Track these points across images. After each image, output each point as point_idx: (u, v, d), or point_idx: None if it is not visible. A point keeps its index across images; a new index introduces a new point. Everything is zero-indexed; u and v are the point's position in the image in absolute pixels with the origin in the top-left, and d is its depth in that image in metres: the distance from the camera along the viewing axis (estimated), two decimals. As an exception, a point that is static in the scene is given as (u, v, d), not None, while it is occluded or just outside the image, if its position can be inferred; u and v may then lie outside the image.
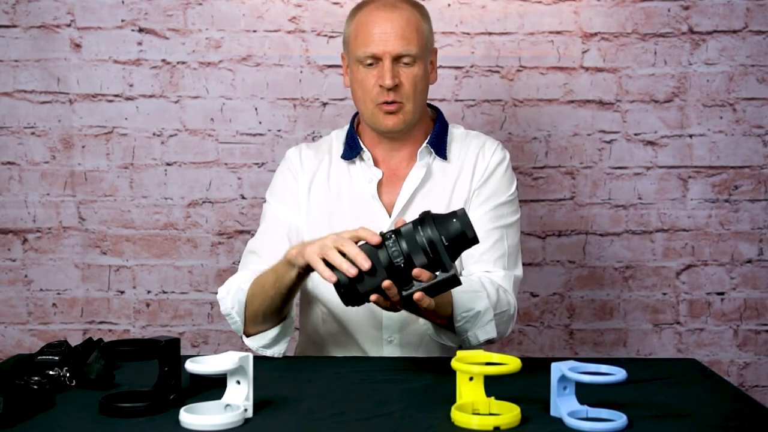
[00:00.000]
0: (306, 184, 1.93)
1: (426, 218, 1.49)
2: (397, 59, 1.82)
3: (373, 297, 1.51)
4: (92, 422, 1.36)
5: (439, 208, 1.88)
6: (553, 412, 1.39)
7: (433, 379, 1.60)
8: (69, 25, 2.56)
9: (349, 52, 1.90)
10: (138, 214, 2.60)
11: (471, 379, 1.38)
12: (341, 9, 2.55)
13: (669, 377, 1.64)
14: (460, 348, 1.85)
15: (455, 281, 1.51)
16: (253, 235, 2.56)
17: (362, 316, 1.87)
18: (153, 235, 2.61)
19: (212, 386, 1.46)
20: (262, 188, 2.56)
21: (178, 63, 2.57)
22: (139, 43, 2.57)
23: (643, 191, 2.60)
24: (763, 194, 2.60)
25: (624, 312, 2.63)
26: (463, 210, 1.51)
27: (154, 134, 2.59)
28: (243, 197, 2.59)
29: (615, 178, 2.60)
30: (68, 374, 1.53)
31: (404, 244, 1.48)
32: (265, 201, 1.98)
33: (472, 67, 2.57)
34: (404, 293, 1.50)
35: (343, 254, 1.50)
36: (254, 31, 2.56)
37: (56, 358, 1.55)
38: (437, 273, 1.51)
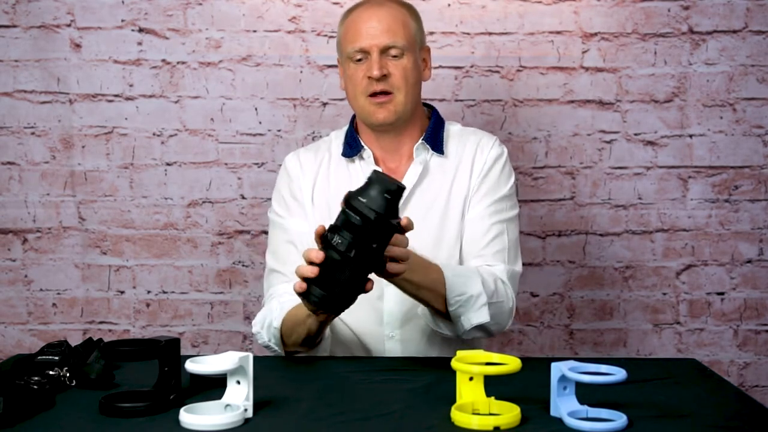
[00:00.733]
0: (309, 187, 1.95)
1: (348, 198, 1.49)
2: (384, 52, 1.85)
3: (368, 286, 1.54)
4: (92, 422, 1.36)
5: (438, 204, 1.90)
6: (553, 412, 1.39)
7: (433, 379, 1.60)
8: (69, 25, 2.56)
9: (341, 52, 1.94)
10: (138, 214, 2.60)
11: (471, 379, 1.38)
12: (341, 9, 2.54)
13: (669, 377, 1.64)
14: (459, 339, 1.85)
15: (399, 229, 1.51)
16: (253, 235, 2.58)
17: (363, 312, 1.87)
18: (153, 235, 2.61)
19: (212, 386, 1.46)
20: (262, 188, 2.56)
21: (178, 63, 2.57)
22: (139, 43, 2.57)
23: (643, 191, 2.60)
24: (763, 194, 2.60)
25: (624, 312, 2.63)
26: (374, 172, 1.51)
27: (154, 134, 2.59)
28: (243, 197, 2.59)
29: (615, 178, 2.60)
30: (68, 374, 1.53)
31: (346, 233, 1.47)
32: (270, 209, 2.00)
33: (472, 67, 2.57)
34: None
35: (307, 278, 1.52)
36: (254, 31, 2.57)
37: (56, 358, 1.55)
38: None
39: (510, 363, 1.38)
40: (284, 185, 1.98)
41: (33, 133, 2.59)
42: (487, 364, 1.40)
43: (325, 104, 2.57)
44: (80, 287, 2.62)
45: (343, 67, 1.93)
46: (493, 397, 1.38)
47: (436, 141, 1.94)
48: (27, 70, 2.57)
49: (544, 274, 2.62)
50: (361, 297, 1.89)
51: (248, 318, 2.58)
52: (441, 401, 1.43)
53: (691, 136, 2.59)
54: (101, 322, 2.62)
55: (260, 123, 2.58)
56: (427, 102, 2.05)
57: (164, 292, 2.62)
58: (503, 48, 2.57)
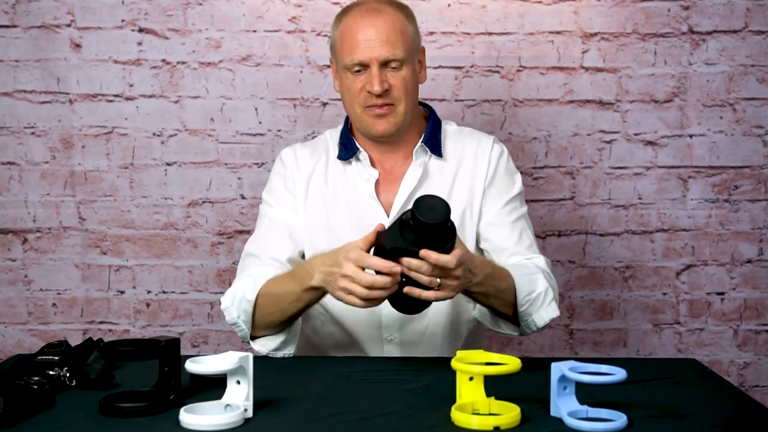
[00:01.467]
0: (303, 183, 1.93)
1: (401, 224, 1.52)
2: (384, 64, 1.82)
3: (429, 294, 1.55)
4: (92, 422, 1.36)
5: None
6: (553, 412, 1.39)
7: (433, 379, 1.60)
8: (69, 25, 2.56)
9: (336, 58, 1.90)
10: (138, 214, 2.60)
11: (471, 379, 1.38)
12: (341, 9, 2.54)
13: (669, 377, 1.64)
14: (465, 342, 1.85)
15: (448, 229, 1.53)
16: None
17: (361, 316, 1.87)
18: (153, 235, 2.61)
19: (212, 386, 1.46)
20: (262, 188, 2.54)
21: (178, 63, 2.57)
22: (139, 43, 2.57)
23: (643, 191, 2.60)
24: (763, 194, 2.60)
25: (624, 312, 2.63)
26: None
27: (154, 134, 2.59)
28: (243, 197, 2.59)
29: (615, 178, 2.60)
30: (68, 374, 1.53)
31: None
32: (261, 201, 1.99)
33: (472, 67, 2.57)
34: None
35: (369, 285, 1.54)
36: (254, 31, 2.57)
37: (56, 358, 1.55)
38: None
39: (510, 363, 1.38)
40: (278, 176, 1.97)
41: (33, 133, 2.59)
42: (487, 364, 1.40)
43: (325, 104, 2.57)
44: (80, 287, 2.62)
45: (338, 71, 1.90)
46: (493, 397, 1.38)
47: (435, 143, 1.92)
48: (27, 70, 2.57)
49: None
50: None
51: (248, 318, 2.58)
52: (441, 401, 1.42)
53: (691, 136, 2.59)
54: (101, 322, 2.62)
55: (260, 123, 2.58)
56: (426, 102, 2.05)
57: (164, 292, 2.62)
58: (503, 48, 2.57)
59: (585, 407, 1.37)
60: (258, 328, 1.77)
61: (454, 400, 1.39)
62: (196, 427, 1.32)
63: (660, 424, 1.37)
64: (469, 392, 1.38)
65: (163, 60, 2.57)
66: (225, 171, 2.59)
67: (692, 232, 2.61)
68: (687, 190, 2.60)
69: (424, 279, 1.52)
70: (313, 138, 2.53)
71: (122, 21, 2.56)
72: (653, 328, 2.63)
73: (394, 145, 1.92)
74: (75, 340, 1.82)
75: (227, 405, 1.37)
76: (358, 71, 1.83)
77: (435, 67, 2.53)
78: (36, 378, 1.47)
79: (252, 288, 1.75)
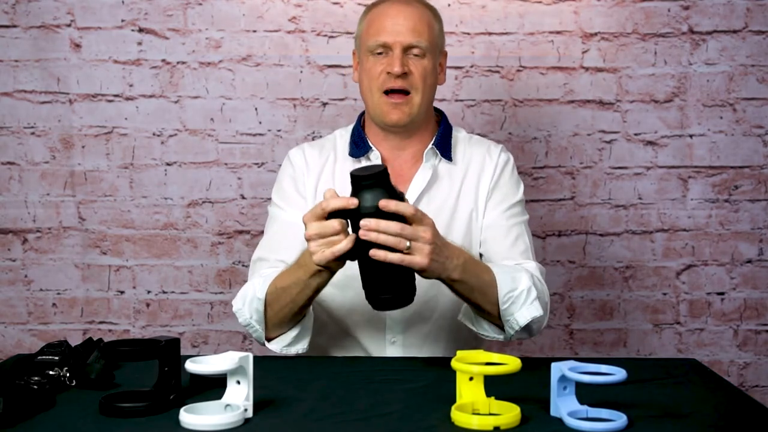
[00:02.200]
0: (312, 183, 1.92)
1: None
2: (407, 50, 1.83)
3: (394, 257, 1.51)
4: (92, 422, 1.36)
5: (446, 210, 1.89)
6: (553, 412, 1.39)
7: (433, 379, 1.60)
8: (69, 25, 2.56)
9: (360, 45, 1.91)
10: (138, 214, 2.60)
11: (471, 379, 1.38)
12: (341, 9, 2.55)
13: (669, 377, 1.64)
14: (506, 339, 1.83)
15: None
16: (253, 235, 2.58)
17: (365, 318, 1.87)
18: (153, 235, 2.61)
19: (212, 386, 1.46)
20: (261, 188, 2.56)
21: (178, 63, 2.57)
22: (139, 43, 2.57)
23: (643, 191, 2.60)
24: (763, 194, 2.60)
25: (624, 312, 2.63)
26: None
27: (154, 134, 2.59)
28: (243, 197, 2.59)
29: (615, 178, 2.60)
30: (68, 374, 1.53)
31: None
32: (269, 203, 1.97)
33: (472, 67, 2.57)
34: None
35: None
36: (254, 31, 2.57)
37: (56, 358, 1.54)
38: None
39: (510, 363, 1.38)
40: (288, 178, 1.95)
41: (33, 133, 2.59)
42: (487, 364, 1.40)
43: (325, 104, 2.57)
44: (80, 287, 2.62)
45: (360, 59, 1.90)
46: (493, 397, 1.38)
47: (445, 147, 1.93)
48: (27, 70, 2.57)
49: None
50: (364, 303, 1.90)
51: (248, 318, 2.58)
52: (441, 401, 1.42)
53: (691, 136, 2.59)
54: (101, 322, 2.62)
55: (260, 123, 2.58)
56: (434, 105, 2.05)
57: (164, 292, 2.62)
58: (503, 48, 2.57)
59: (585, 407, 1.37)
60: (271, 326, 1.76)
61: (454, 400, 1.39)
62: (196, 427, 1.32)
63: (660, 424, 1.37)
64: (469, 392, 1.38)
65: (163, 60, 2.57)
66: (225, 171, 2.59)
67: (692, 232, 2.61)
68: (687, 190, 2.60)
69: (390, 240, 1.49)
70: (314, 138, 2.54)
71: (122, 21, 2.56)
72: (653, 328, 2.63)
73: (405, 143, 1.91)
74: (75, 340, 1.82)
75: (227, 405, 1.37)
76: (380, 53, 1.84)
77: (435, 67, 2.53)
78: (36, 378, 1.47)
79: (261, 286, 1.75)
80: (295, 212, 1.90)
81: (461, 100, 2.58)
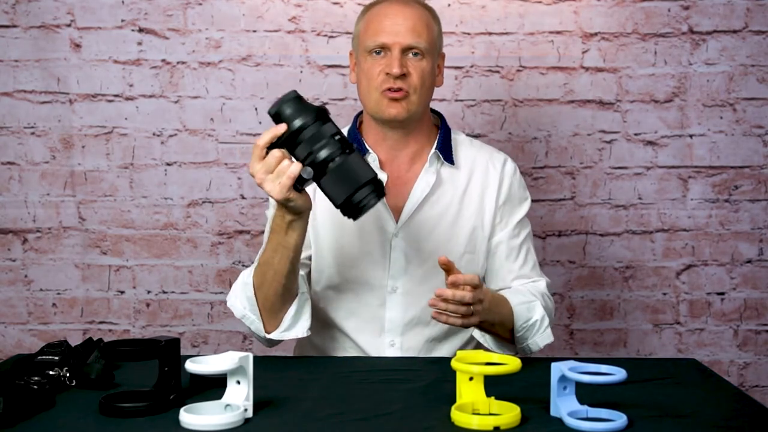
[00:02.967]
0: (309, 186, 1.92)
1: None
2: (405, 51, 1.83)
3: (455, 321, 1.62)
4: (92, 422, 1.36)
5: (448, 216, 1.89)
6: (553, 412, 1.39)
7: (433, 379, 1.60)
8: (69, 25, 2.56)
9: (358, 45, 1.90)
10: (138, 214, 2.60)
11: (471, 379, 1.38)
12: (341, 9, 2.55)
13: (669, 377, 1.64)
14: (517, 354, 1.87)
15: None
16: (253, 235, 2.58)
17: (364, 320, 1.87)
18: (153, 235, 2.61)
19: (212, 386, 1.46)
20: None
21: (178, 63, 2.57)
22: (139, 43, 2.57)
23: (643, 191, 2.60)
24: (763, 194, 2.60)
25: (624, 312, 2.63)
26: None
27: (154, 134, 2.59)
28: (243, 197, 2.59)
29: (615, 178, 2.60)
30: (68, 374, 1.53)
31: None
32: (267, 205, 1.97)
33: (472, 67, 2.57)
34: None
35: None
36: (254, 31, 2.57)
37: (56, 358, 1.55)
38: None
39: (510, 363, 1.38)
40: None
41: (33, 133, 2.59)
42: (487, 364, 1.41)
43: (325, 104, 2.57)
44: (80, 287, 2.62)
45: (358, 59, 1.89)
46: (493, 397, 1.38)
47: (447, 151, 1.92)
48: (27, 70, 2.57)
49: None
50: (363, 305, 1.89)
51: (248, 318, 2.58)
52: (441, 401, 1.43)
53: (691, 136, 2.59)
54: (101, 322, 2.62)
55: (260, 123, 2.57)
56: (433, 108, 2.04)
57: (164, 292, 2.62)
58: (503, 48, 2.57)
59: (585, 407, 1.37)
60: (266, 314, 1.74)
61: (454, 400, 1.39)
62: (196, 427, 1.32)
63: (660, 424, 1.37)
64: (469, 392, 1.38)
65: (163, 60, 2.57)
66: (225, 171, 2.59)
67: (692, 232, 2.61)
68: (687, 190, 2.60)
69: (462, 309, 1.61)
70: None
71: (122, 21, 2.56)
72: (653, 328, 2.63)
73: (402, 143, 1.90)
74: (75, 340, 1.82)
75: (227, 405, 1.37)
76: (378, 53, 1.83)
77: (435, 67, 2.53)
78: (36, 378, 1.47)
79: (248, 273, 1.76)
80: None
81: (461, 100, 2.58)
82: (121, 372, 1.60)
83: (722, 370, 2.60)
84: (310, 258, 1.89)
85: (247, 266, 2.57)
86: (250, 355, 1.38)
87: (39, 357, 1.55)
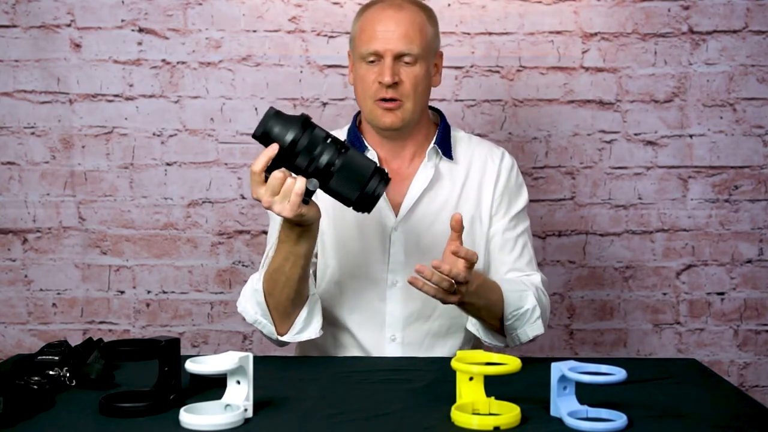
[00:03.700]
0: None
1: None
2: (398, 58, 1.82)
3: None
4: (92, 422, 1.36)
5: (447, 210, 1.89)
6: (553, 412, 1.39)
7: (433, 379, 1.60)
8: (69, 25, 2.56)
9: (353, 48, 1.90)
10: (138, 214, 2.60)
11: (471, 379, 1.38)
12: (341, 9, 2.55)
13: (669, 377, 1.64)
14: (467, 342, 1.87)
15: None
16: (253, 235, 2.59)
17: (365, 315, 1.87)
18: (153, 235, 2.61)
19: (212, 386, 1.46)
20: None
21: (178, 63, 2.57)
22: (139, 43, 2.57)
23: (643, 191, 2.60)
24: (763, 194, 2.60)
25: (624, 312, 2.63)
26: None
27: (154, 134, 2.59)
28: (243, 197, 2.59)
29: (615, 178, 2.60)
30: (68, 374, 1.53)
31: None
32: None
33: (472, 67, 2.57)
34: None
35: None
36: (254, 31, 2.57)
37: (56, 358, 1.55)
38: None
39: (510, 363, 1.38)
40: None
41: (33, 133, 2.59)
42: (487, 364, 1.41)
43: (325, 104, 2.57)
44: (80, 287, 2.62)
45: (354, 64, 1.90)
46: (493, 397, 1.38)
47: (446, 146, 1.93)
48: (27, 70, 2.57)
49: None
50: (363, 300, 1.89)
51: (248, 318, 2.58)
52: (441, 401, 1.43)
53: (691, 136, 2.59)
54: (101, 322, 2.62)
55: (260, 123, 2.57)
56: (431, 104, 2.04)
57: (164, 292, 2.62)
58: (503, 48, 2.57)
59: (585, 407, 1.38)
60: (278, 318, 1.75)
61: (454, 400, 1.39)
62: (196, 427, 1.33)
63: (660, 424, 1.37)
64: (469, 392, 1.38)
65: (163, 60, 2.57)
66: (225, 171, 2.59)
67: (692, 232, 2.61)
68: (687, 190, 2.60)
69: (445, 284, 1.58)
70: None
71: (122, 21, 2.56)
72: (653, 328, 2.63)
73: (401, 143, 1.91)
74: (75, 340, 1.82)
75: (227, 405, 1.38)
76: (372, 61, 1.83)
77: (435, 67, 2.53)
78: (36, 378, 1.47)
79: (257, 279, 1.76)
80: None
81: (461, 100, 2.58)
82: (121, 372, 1.60)
83: (722, 370, 2.60)
84: (316, 255, 1.89)
85: (247, 266, 2.59)
86: (250, 355, 1.38)
87: (39, 357, 1.55)
